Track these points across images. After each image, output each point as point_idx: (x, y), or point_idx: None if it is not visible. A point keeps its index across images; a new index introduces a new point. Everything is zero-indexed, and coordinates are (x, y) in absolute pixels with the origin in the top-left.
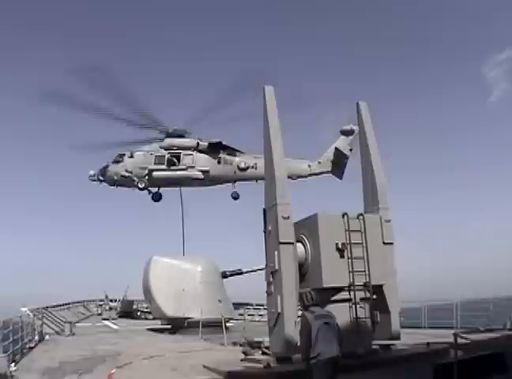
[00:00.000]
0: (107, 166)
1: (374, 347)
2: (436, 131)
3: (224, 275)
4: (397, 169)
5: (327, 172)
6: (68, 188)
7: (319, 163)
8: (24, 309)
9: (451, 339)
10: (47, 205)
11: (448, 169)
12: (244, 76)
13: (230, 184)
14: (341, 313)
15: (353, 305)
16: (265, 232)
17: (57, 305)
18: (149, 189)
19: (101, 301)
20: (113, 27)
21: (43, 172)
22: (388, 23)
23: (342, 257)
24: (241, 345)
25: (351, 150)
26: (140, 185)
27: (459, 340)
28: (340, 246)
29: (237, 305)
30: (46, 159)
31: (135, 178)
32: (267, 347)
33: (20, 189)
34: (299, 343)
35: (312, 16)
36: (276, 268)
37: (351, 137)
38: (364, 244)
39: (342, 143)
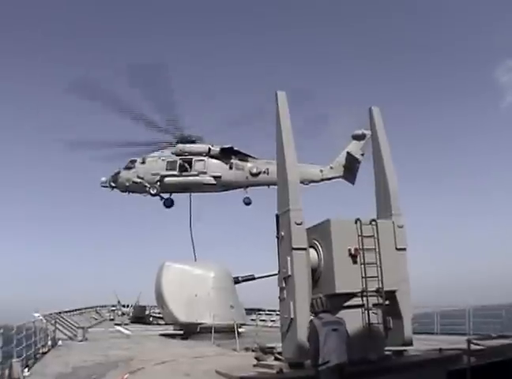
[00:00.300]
0: (118, 173)
1: (386, 352)
2: (447, 137)
3: (237, 281)
4: (408, 174)
5: (339, 177)
6: (80, 195)
7: (331, 167)
8: (36, 314)
9: (464, 346)
10: (59, 212)
11: (458, 174)
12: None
13: (242, 189)
14: (354, 319)
15: (366, 311)
16: (277, 238)
17: (69, 311)
18: (161, 195)
19: (113, 306)
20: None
21: (57, 179)
22: (401, 27)
23: (355, 262)
24: (253, 350)
25: (362, 155)
26: (152, 191)
27: (472, 347)
28: (352, 252)
29: (249, 311)
30: (59, 166)
31: (147, 184)
32: (280, 353)
33: (34, 195)
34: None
35: (318, 21)
36: (289, 273)
37: (362, 142)
38: (377, 249)
39: (354, 147)
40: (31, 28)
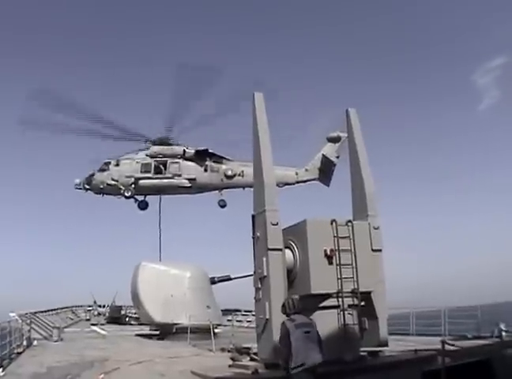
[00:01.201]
0: (92, 175)
1: (362, 353)
2: (427, 138)
3: (213, 281)
4: (388, 176)
5: (314, 179)
6: (56, 196)
7: (306, 170)
8: (12, 314)
9: (439, 346)
10: (34, 213)
11: (437, 176)
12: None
13: (217, 192)
14: (329, 320)
15: (341, 312)
16: (253, 238)
17: (45, 311)
18: (135, 197)
19: (90, 306)
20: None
21: (32, 179)
22: (380, 29)
23: (330, 263)
24: (229, 351)
25: (338, 157)
26: (126, 194)
27: (447, 347)
28: (328, 253)
29: (226, 312)
30: (37, 166)
31: (121, 187)
32: (255, 353)
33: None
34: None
35: (302, 21)
36: (265, 274)
37: (338, 144)
38: (353, 250)
39: (329, 150)
40: None
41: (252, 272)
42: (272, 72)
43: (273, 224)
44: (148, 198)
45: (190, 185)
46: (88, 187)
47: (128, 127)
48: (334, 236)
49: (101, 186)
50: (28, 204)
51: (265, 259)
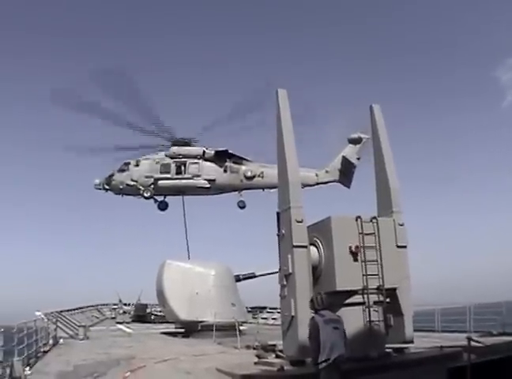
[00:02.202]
0: (112, 175)
1: (387, 350)
2: (447, 137)
3: (238, 279)
4: (410, 174)
5: (335, 181)
6: (81, 195)
7: (326, 171)
8: (38, 313)
9: (464, 343)
10: (61, 213)
11: (460, 174)
12: (255, 89)
13: (236, 193)
14: (355, 317)
15: (367, 309)
16: (278, 235)
17: (71, 309)
18: (155, 197)
19: (115, 305)
20: (129, 32)
21: (59, 179)
22: (400, 27)
23: (355, 260)
24: (254, 348)
25: (358, 159)
26: (145, 194)
27: (472, 344)
28: (353, 249)
29: (251, 309)
30: (58, 166)
31: (140, 187)
32: (281, 351)
33: (38, 196)
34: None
35: (317, 21)
36: (290, 271)
37: (359, 146)
38: (378, 247)
39: (350, 151)
40: None
41: (277, 270)
42: (281, 70)
43: (298, 221)
44: (168, 199)
45: (209, 185)
46: (107, 187)
47: (160, 120)
48: (359, 233)
49: (121, 187)
50: (52, 203)
51: (290, 256)
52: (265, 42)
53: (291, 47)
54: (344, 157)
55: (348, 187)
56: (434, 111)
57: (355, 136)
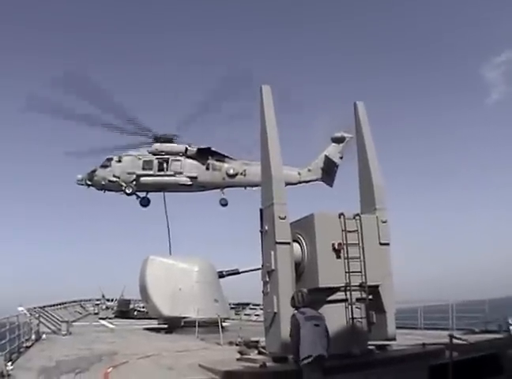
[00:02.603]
0: (94, 171)
1: (369, 347)
2: (434, 132)
3: (221, 275)
4: (394, 171)
5: (317, 180)
6: (62, 191)
7: (309, 170)
8: (20, 308)
9: (447, 340)
10: (43, 209)
11: (442, 171)
12: (232, 78)
13: (219, 190)
14: (337, 314)
15: (349, 306)
16: (261, 232)
17: (53, 305)
18: (137, 193)
19: (98, 300)
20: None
21: (38, 176)
22: (386, 24)
23: (338, 257)
24: (237, 344)
25: (341, 158)
26: (127, 191)
27: (454, 341)
28: (336, 246)
29: (234, 305)
30: (40, 163)
31: (123, 183)
32: (263, 347)
33: (17, 192)
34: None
35: (304, 18)
36: (273, 267)
37: (342, 145)
38: (360, 244)
39: (333, 150)
40: None
41: (260, 266)
42: (269, 68)
43: (281, 218)
44: (151, 195)
45: (191, 183)
46: (89, 183)
47: (138, 120)
48: (342, 230)
49: (103, 182)
50: (32, 199)
51: (273, 253)
52: (251, 38)
53: (278, 44)
54: (326, 156)
55: (331, 186)
56: (421, 107)
57: (338, 135)
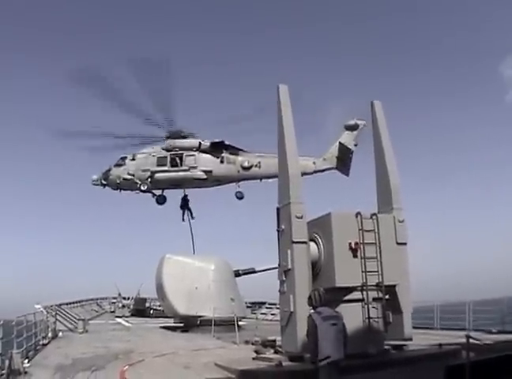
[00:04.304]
0: (109, 170)
1: (386, 347)
2: (449, 130)
3: (237, 274)
4: (414, 170)
5: (332, 168)
6: (80, 191)
7: (324, 159)
8: (37, 306)
9: (463, 340)
10: (61, 209)
11: (464, 169)
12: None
13: (234, 184)
14: (354, 313)
15: (366, 305)
16: (278, 231)
17: (70, 303)
18: (153, 191)
19: (114, 298)
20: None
21: (61, 176)
22: (404, 23)
23: (355, 256)
24: (253, 344)
25: (355, 145)
26: (142, 188)
27: (471, 342)
28: (353, 246)
29: (250, 304)
30: (56, 161)
31: (137, 181)
32: (280, 346)
33: (40, 192)
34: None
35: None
36: (289, 267)
37: (355, 132)
38: (377, 244)
39: (347, 138)
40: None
41: (277, 265)
42: (281, 63)
43: (298, 217)
44: (167, 193)
45: (206, 177)
46: (105, 183)
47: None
48: (359, 229)
49: (118, 181)
50: (53, 198)
51: (289, 252)
52: (265, 39)
53: (291, 43)
54: (341, 143)
55: (347, 175)
56: (436, 107)
57: (351, 122)
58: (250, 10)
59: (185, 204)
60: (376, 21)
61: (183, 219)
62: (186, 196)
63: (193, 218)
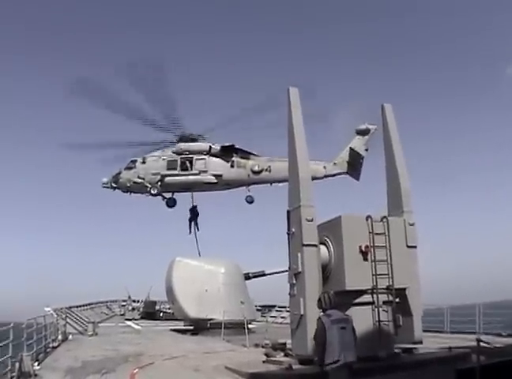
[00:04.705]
0: (119, 173)
1: (396, 350)
2: (458, 132)
3: (247, 277)
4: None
5: (343, 173)
6: (89, 194)
7: (335, 164)
8: (47, 309)
9: (473, 344)
10: (73, 212)
11: (473, 171)
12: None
13: (244, 188)
14: (364, 316)
15: (376, 309)
16: (288, 234)
17: (80, 306)
18: (163, 194)
19: (124, 301)
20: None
21: (68, 180)
22: (411, 23)
23: (365, 259)
24: (263, 347)
25: (366, 150)
26: (152, 191)
27: (481, 345)
28: (363, 249)
29: (260, 307)
30: (70, 165)
31: (147, 184)
32: (291, 349)
33: (54, 196)
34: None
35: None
36: (300, 270)
37: (366, 137)
38: (388, 247)
39: (358, 143)
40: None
41: (287, 268)
42: (294, 67)
43: (308, 220)
44: (177, 196)
45: (216, 181)
46: (115, 185)
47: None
48: (369, 232)
49: (128, 184)
50: (63, 204)
51: (299, 255)
52: (277, 41)
53: (303, 45)
54: (351, 149)
55: (357, 179)
56: (446, 108)
57: (362, 127)
58: (261, 12)
59: (193, 216)
60: (380, 23)
61: (190, 232)
62: (195, 207)
63: (198, 230)
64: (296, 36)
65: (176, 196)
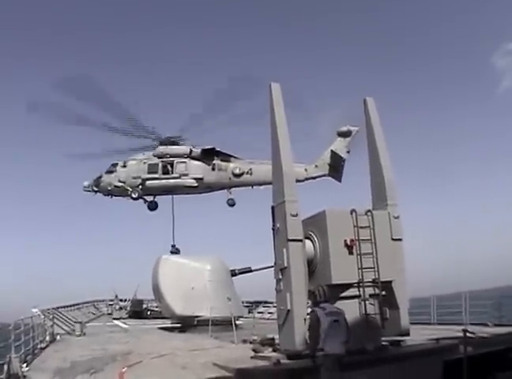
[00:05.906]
0: (100, 177)
1: (383, 343)
2: (443, 122)
3: (233, 274)
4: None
5: (325, 175)
6: (73, 193)
7: (316, 166)
8: (35, 309)
9: (461, 335)
10: (56, 212)
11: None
12: (236, 81)
13: (225, 190)
14: (350, 310)
15: (362, 302)
16: (273, 229)
17: (67, 306)
18: (144, 197)
19: (111, 301)
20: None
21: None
22: (394, 14)
23: (351, 253)
24: (251, 342)
25: (348, 152)
26: (133, 195)
27: (468, 336)
28: (348, 243)
29: (247, 303)
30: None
31: (128, 188)
32: (278, 344)
33: (31, 196)
34: (308, 339)
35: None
36: (285, 265)
37: (348, 139)
38: (373, 240)
39: (339, 145)
40: None
41: (273, 264)
42: (272, 64)
43: (293, 215)
44: (158, 198)
45: (196, 184)
46: (96, 189)
47: (142, 122)
48: (354, 226)
49: (109, 188)
50: (47, 201)
51: (285, 250)
52: (255, 35)
53: (283, 41)
54: (333, 151)
55: (339, 181)
56: (431, 99)
57: (344, 129)
58: (237, 7)
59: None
60: (369, 14)
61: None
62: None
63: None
64: (278, 31)
65: (158, 199)
